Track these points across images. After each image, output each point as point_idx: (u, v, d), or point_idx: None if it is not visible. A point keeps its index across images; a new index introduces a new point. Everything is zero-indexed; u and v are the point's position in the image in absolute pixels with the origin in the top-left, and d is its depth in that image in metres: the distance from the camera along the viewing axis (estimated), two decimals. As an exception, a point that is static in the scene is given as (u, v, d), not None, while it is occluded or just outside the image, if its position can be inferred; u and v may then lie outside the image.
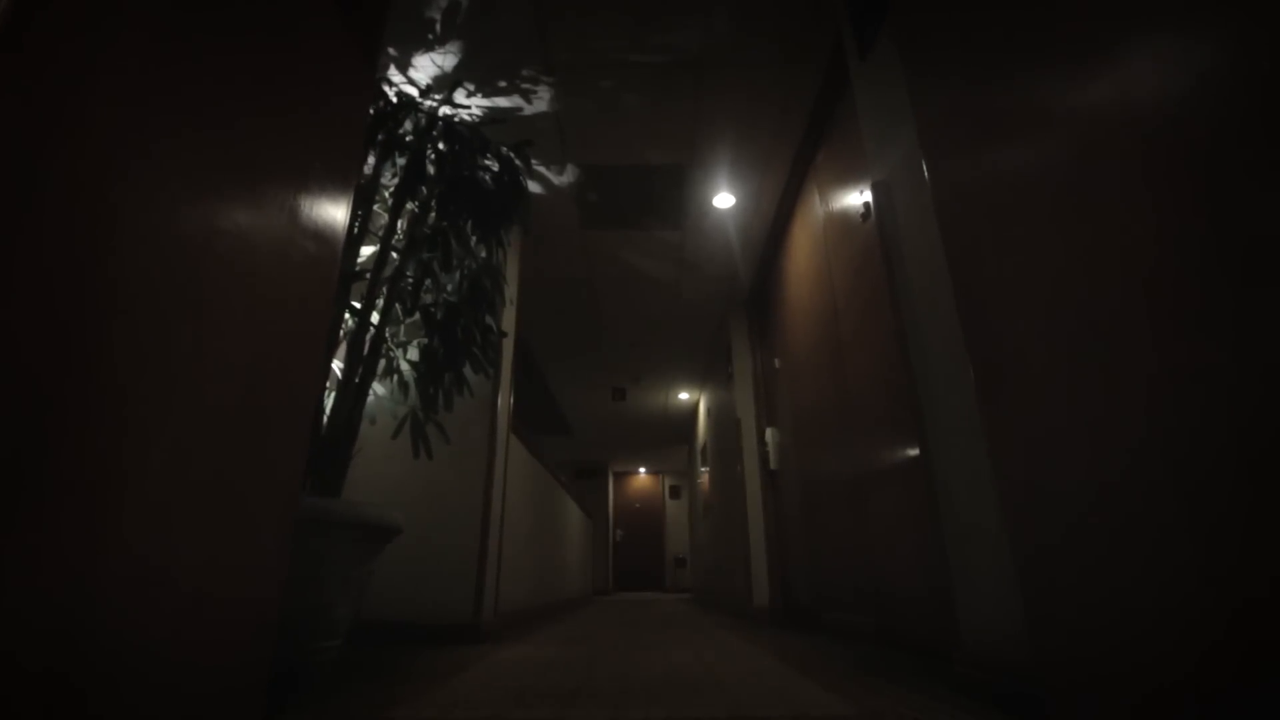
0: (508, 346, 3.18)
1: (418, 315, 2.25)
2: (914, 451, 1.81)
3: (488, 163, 2.35)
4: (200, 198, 0.82)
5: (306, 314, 1.13)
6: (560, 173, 3.24)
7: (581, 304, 4.90)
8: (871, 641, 2.34)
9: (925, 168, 1.43)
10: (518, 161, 2.38)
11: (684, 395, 7.56)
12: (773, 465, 4.07)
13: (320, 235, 1.20)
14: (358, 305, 2.10)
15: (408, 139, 2.19)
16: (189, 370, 0.79)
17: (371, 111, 2.11)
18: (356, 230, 2.13)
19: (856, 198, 2.44)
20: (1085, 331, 0.87)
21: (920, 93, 1.41)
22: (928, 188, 1.54)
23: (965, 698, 1.31)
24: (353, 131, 1.36)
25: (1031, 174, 0.98)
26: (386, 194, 2.40)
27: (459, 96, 2.70)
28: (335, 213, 1.26)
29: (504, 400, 3.07)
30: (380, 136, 2.06)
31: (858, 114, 2.07)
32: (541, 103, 2.76)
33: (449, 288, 2.35)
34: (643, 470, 12.37)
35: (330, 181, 1.24)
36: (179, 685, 0.78)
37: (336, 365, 2.15)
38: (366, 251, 2.32)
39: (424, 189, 2.31)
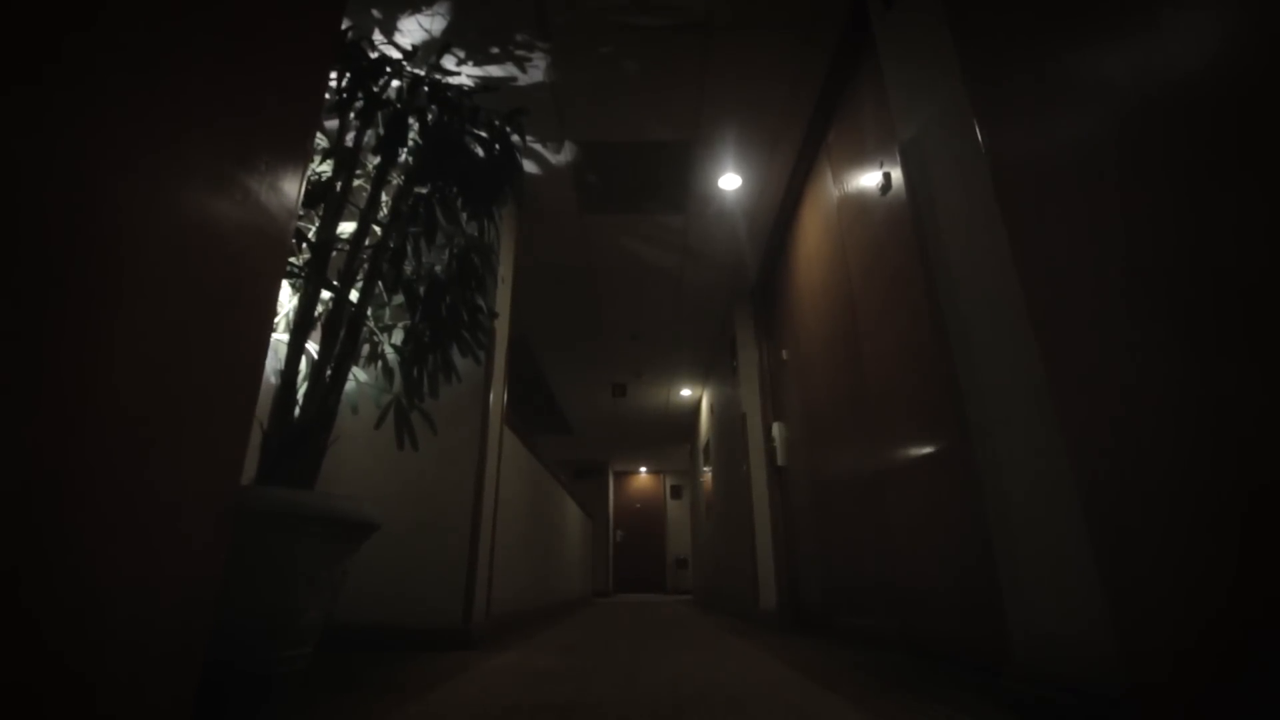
0: (502, 333, 3.01)
1: (402, 297, 2.08)
2: (951, 440, 1.64)
3: (479, 133, 2.18)
4: (104, 137, 0.65)
5: (248, 278, 0.96)
6: (557, 150, 3.07)
7: (581, 295, 4.72)
8: (893, 649, 2.16)
9: (977, 127, 1.26)
10: (512, 135, 2.21)
11: (686, 391, 7.38)
12: (780, 462, 3.90)
13: (269, 186, 1.03)
14: (336, 284, 1.93)
15: (398, 106, 2.02)
16: (69, 334, 0.62)
17: (350, 74, 1.94)
18: (334, 201, 1.96)
19: (874, 172, 2.27)
20: (1177, 309, 0.70)
21: (969, 40, 1.25)
22: (973, 146, 1.37)
23: (1022, 718, 1.13)
24: (310, 68, 1.19)
25: (1127, 130, 0.81)
26: (370, 166, 2.23)
27: (448, 63, 2.53)
28: (287, 163, 1.09)
29: (497, 391, 2.90)
30: (360, 98, 1.89)
31: (881, 68, 1.90)
32: (537, 72, 2.58)
33: (437, 269, 2.18)
34: (643, 470, 12.20)
35: (280, 127, 1.07)
36: (63, 701, 0.61)
37: (313, 347, 1.98)
38: (349, 229, 2.15)
39: (409, 159, 2.15)
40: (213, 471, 0.86)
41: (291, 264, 1.99)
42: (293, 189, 1.13)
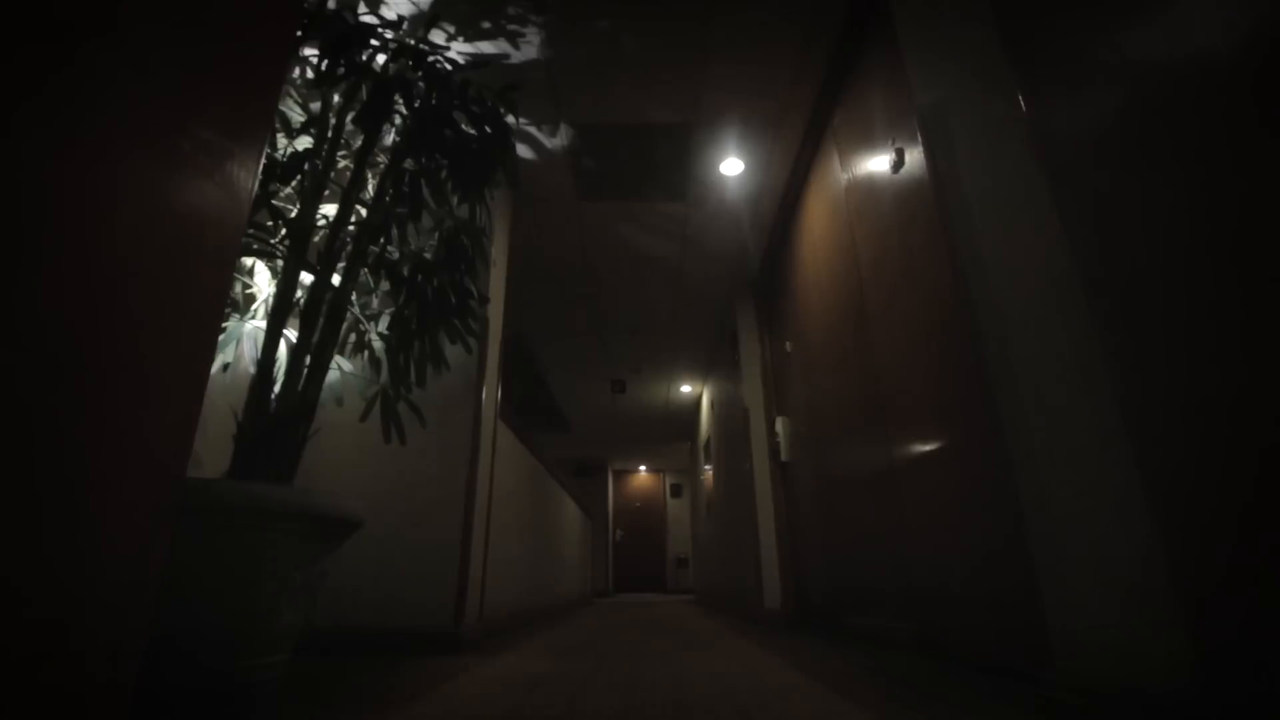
0: (495, 322, 2.89)
1: (389, 283, 1.97)
2: (977, 426, 1.52)
3: (470, 108, 2.06)
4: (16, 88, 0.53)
5: (193, 248, 0.84)
6: (553, 134, 2.95)
7: (579, 287, 4.61)
8: (909, 650, 2.05)
9: (1020, 94, 1.15)
10: (506, 115, 2.09)
11: (686, 388, 7.27)
12: (784, 457, 3.79)
13: (221, 148, 0.91)
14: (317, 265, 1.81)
15: (383, 78, 1.90)
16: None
17: (329, 43, 1.83)
18: (316, 178, 1.85)
19: (886, 151, 2.15)
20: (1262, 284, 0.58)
21: (1009, 3, 1.14)
22: (1003, 111, 1.26)
23: (1063, 731, 1.02)
24: (272, 23, 1.07)
25: (1191, 98, 0.70)
26: (355, 146, 2.12)
27: (437, 39, 2.41)
28: (243, 124, 0.98)
29: (491, 383, 2.78)
30: (342, 66, 1.77)
31: (897, 35, 1.79)
32: (531, 48, 2.47)
33: (427, 255, 2.07)
34: (643, 468, 12.08)
35: (236, 83, 0.96)
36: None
37: (292, 334, 1.86)
38: (334, 211, 2.03)
39: (396, 138, 2.03)
40: (146, 461, 0.74)
41: (273, 245, 1.88)
42: (251, 152, 1.02)
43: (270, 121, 1.08)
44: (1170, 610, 0.84)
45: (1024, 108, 1.14)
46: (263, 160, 1.09)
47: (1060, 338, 1.09)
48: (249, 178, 1.00)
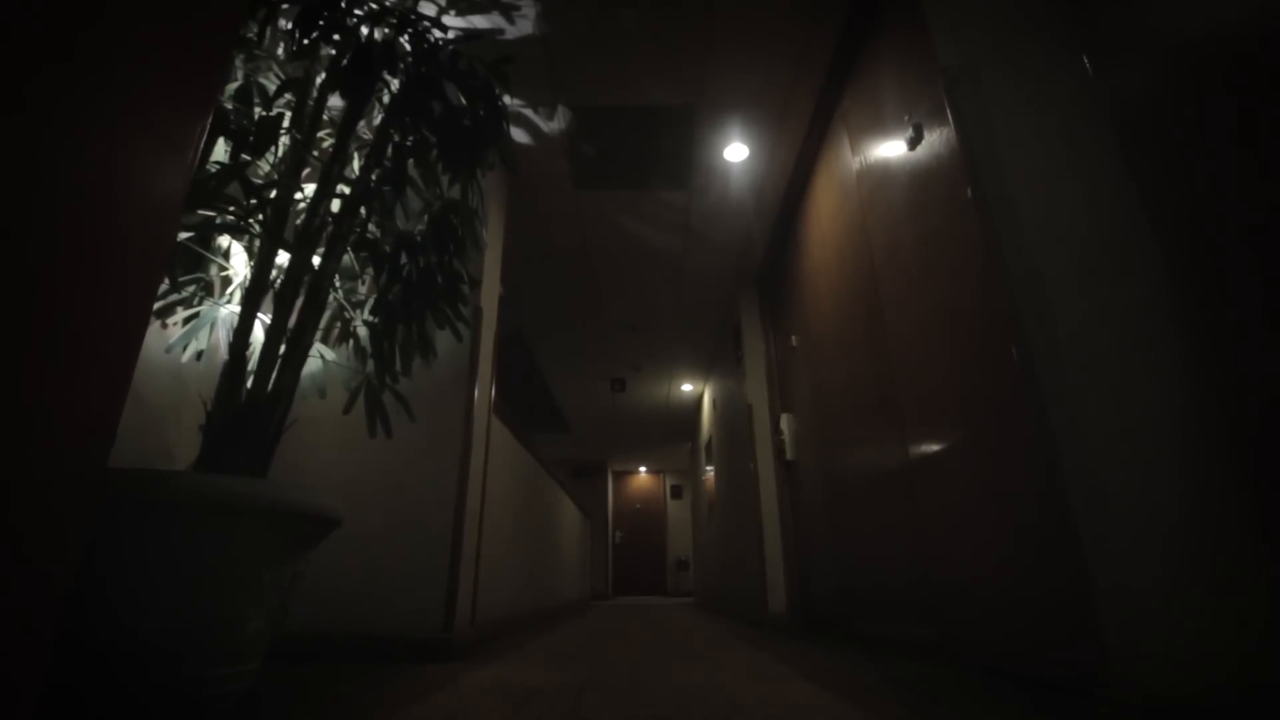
0: (489, 311, 2.77)
1: (375, 267, 1.84)
2: (1013, 412, 1.39)
3: (466, 81, 1.94)
4: None
5: (115, 200, 0.72)
6: (550, 117, 2.83)
7: (577, 282, 4.48)
8: (926, 658, 1.92)
9: (1085, 57, 1.04)
10: (502, 98, 1.97)
11: (687, 386, 7.15)
12: (789, 456, 3.66)
13: (155, 98, 0.79)
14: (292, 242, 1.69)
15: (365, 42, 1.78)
16: None
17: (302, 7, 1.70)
18: (292, 152, 1.73)
19: (901, 129, 2.03)
20: None
21: None
22: (1049, 70, 1.14)
23: (1125, 754, 0.89)
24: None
25: None
26: (339, 122, 1.99)
27: (427, 11, 2.29)
28: (184, 77, 0.86)
29: (484, 376, 2.66)
30: (321, 22, 1.65)
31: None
32: (526, 23, 2.35)
33: (418, 239, 1.95)
34: (643, 469, 11.96)
35: (178, 34, 0.84)
36: None
37: (267, 318, 1.74)
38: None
39: (381, 115, 1.91)
40: (51, 447, 0.62)
41: (248, 222, 1.76)
42: (196, 93, 0.90)
43: (223, 58, 0.96)
44: (1261, 614, 0.72)
45: (1089, 68, 1.02)
46: (212, 113, 0.96)
47: (1116, 314, 0.97)
48: (194, 124, 0.87)
